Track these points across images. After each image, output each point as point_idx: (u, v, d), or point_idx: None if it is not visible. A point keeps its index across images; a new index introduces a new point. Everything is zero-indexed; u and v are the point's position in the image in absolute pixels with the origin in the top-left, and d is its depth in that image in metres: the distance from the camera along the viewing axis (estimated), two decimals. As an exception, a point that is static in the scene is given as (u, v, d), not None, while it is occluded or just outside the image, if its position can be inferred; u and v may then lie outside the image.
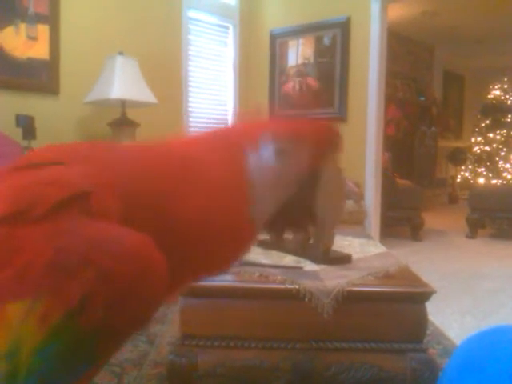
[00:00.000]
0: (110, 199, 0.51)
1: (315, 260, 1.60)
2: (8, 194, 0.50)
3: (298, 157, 0.60)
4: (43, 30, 3.27)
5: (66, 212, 0.49)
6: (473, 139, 7.44)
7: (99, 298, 0.45)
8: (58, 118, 3.33)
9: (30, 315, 0.43)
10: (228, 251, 0.62)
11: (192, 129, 4.31)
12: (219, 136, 0.63)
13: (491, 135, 7.12)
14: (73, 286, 0.44)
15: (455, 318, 2.55)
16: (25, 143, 2.87)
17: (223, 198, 0.58)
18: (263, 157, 0.58)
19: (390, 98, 5.91)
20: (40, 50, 3.27)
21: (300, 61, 4.49)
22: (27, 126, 2.93)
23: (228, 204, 0.58)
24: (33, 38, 3.22)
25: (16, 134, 2.82)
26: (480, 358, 0.70)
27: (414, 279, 1.52)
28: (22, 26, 3.16)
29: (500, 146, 7.00)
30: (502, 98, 7.23)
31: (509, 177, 6.68)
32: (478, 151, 7.24)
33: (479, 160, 7.19)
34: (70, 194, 0.50)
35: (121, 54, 3.21)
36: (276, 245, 1.66)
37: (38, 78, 3.28)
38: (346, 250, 1.74)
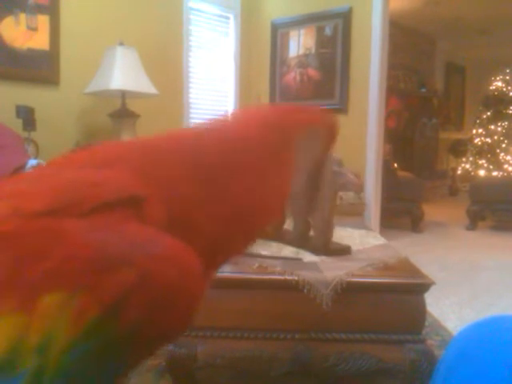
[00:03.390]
0: (158, 207, 0.51)
1: (315, 251, 1.61)
2: (56, 188, 0.50)
3: (316, 146, 0.62)
4: (43, 21, 3.25)
5: (115, 212, 0.48)
6: (474, 131, 7.42)
7: (137, 300, 0.44)
8: (58, 109, 3.32)
9: (65, 310, 0.42)
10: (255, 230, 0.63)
11: (192, 120, 4.31)
12: (268, 124, 0.63)
13: (492, 127, 7.10)
14: (111, 284, 0.43)
15: (454, 310, 2.56)
16: (25, 134, 2.87)
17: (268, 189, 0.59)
18: (301, 146, 0.60)
19: (392, 89, 5.90)
20: (40, 41, 3.26)
21: (301, 51, 4.47)
22: (27, 116, 2.93)
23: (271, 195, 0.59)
24: (33, 29, 3.21)
25: (16, 124, 2.82)
26: (477, 347, 0.70)
27: (413, 270, 1.52)
28: (22, 17, 3.15)
29: (501, 138, 6.98)
30: (504, 89, 7.20)
31: (510, 169, 6.67)
32: (479, 143, 7.23)
33: (480, 152, 7.17)
34: (121, 196, 0.49)
35: (121, 44, 3.19)
36: (275, 236, 1.67)
37: (38, 68, 3.27)
38: (346, 242, 1.74)
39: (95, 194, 0.49)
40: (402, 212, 4.95)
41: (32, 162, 2.53)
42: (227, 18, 4.61)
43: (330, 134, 0.64)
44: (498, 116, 7.09)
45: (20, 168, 2.40)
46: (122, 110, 3.28)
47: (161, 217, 0.51)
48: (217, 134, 0.61)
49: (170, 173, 0.56)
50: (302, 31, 4.46)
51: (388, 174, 4.49)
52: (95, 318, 0.42)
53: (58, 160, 0.61)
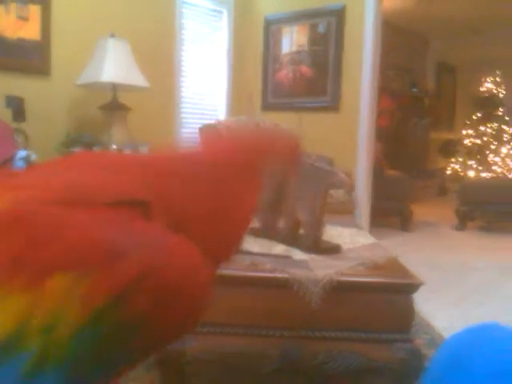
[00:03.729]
0: (159, 213, 0.54)
1: (305, 249, 1.60)
2: (71, 183, 0.52)
3: (282, 170, 0.76)
4: (34, 10, 3.21)
5: (126, 209, 0.50)
6: (464, 132, 7.47)
7: (146, 289, 0.45)
8: (48, 100, 3.29)
9: (73, 292, 0.42)
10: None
11: (183, 114, 4.29)
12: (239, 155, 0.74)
13: (482, 128, 7.15)
14: (121, 270, 0.44)
15: (443, 310, 2.58)
16: (14, 125, 2.84)
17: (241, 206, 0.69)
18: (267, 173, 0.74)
19: (383, 89, 5.91)
20: (31, 31, 3.22)
21: (294, 48, 4.47)
22: (17, 107, 2.90)
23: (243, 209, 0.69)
24: (23, 18, 3.17)
25: (5, 115, 2.79)
26: (468, 355, 0.70)
27: (403, 271, 1.52)
28: (13, 6, 3.11)
29: (491, 140, 7.04)
30: (494, 91, 7.26)
31: (499, 170, 6.73)
32: (469, 144, 7.28)
33: (470, 153, 7.22)
34: (132, 198, 0.52)
35: (112, 36, 3.16)
36: (266, 233, 1.66)
37: (29, 58, 3.23)
38: (336, 240, 1.74)
39: (108, 192, 0.52)
40: (391, 211, 4.97)
41: (21, 154, 2.50)
42: (220, 12, 4.58)
43: (293, 157, 0.77)
44: (488, 117, 7.14)
45: (9, 159, 2.38)
46: (113, 102, 3.25)
47: (162, 221, 0.54)
48: (200, 159, 0.70)
49: (167, 187, 0.60)
50: (295, 28, 4.45)
51: (378, 173, 4.51)
52: (103, 302, 0.43)
53: (69, 159, 0.66)
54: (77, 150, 2.95)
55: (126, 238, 0.47)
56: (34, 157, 2.51)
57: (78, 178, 0.54)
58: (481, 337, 0.73)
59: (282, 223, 1.61)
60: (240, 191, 0.67)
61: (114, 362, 0.46)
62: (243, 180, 0.68)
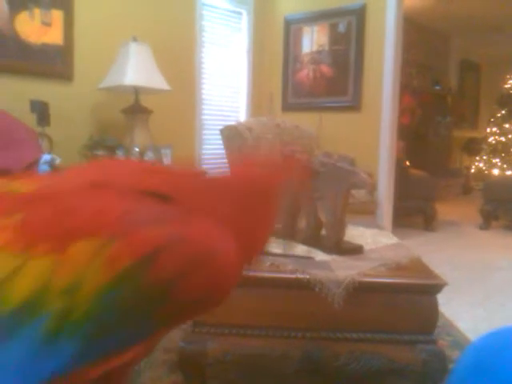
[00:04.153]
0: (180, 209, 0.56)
1: (326, 250, 1.60)
2: (106, 174, 0.56)
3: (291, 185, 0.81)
4: (57, 16, 3.26)
5: (155, 198, 0.52)
6: (488, 129, 7.35)
7: (170, 256, 0.46)
8: (72, 104, 3.33)
9: (99, 255, 0.44)
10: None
11: (204, 116, 4.31)
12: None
13: (507, 126, 7.03)
14: (147, 236, 0.46)
15: (466, 310, 2.54)
16: (39, 129, 2.89)
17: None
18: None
19: (405, 87, 5.84)
20: (54, 36, 3.27)
21: (314, 48, 4.45)
22: (41, 111, 2.94)
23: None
24: (47, 24, 3.22)
25: (30, 119, 2.83)
26: (489, 361, 0.69)
27: (426, 271, 1.51)
28: (37, 12, 3.16)
29: (516, 137, 6.92)
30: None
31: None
32: (494, 142, 7.16)
33: (494, 151, 7.11)
34: (158, 191, 0.54)
35: (134, 40, 3.20)
36: (288, 234, 1.66)
37: (53, 63, 3.28)
38: (358, 241, 1.73)
39: (138, 182, 0.55)
40: (414, 211, 4.92)
41: (46, 157, 2.54)
42: (240, 13, 4.59)
43: (303, 174, 0.80)
44: (513, 115, 7.02)
45: (34, 163, 2.42)
46: (135, 105, 3.29)
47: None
48: (225, 180, 0.73)
49: (190, 190, 0.61)
50: (316, 28, 4.43)
51: (401, 173, 4.47)
52: (129, 265, 0.45)
53: (102, 162, 0.72)
54: (100, 152, 2.99)
55: (154, 209, 0.49)
56: (58, 160, 2.55)
57: (110, 172, 0.57)
58: (504, 341, 0.72)
59: (300, 224, 1.61)
60: (261, 206, 0.69)
61: (136, 327, 0.47)
62: (263, 197, 0.70)
